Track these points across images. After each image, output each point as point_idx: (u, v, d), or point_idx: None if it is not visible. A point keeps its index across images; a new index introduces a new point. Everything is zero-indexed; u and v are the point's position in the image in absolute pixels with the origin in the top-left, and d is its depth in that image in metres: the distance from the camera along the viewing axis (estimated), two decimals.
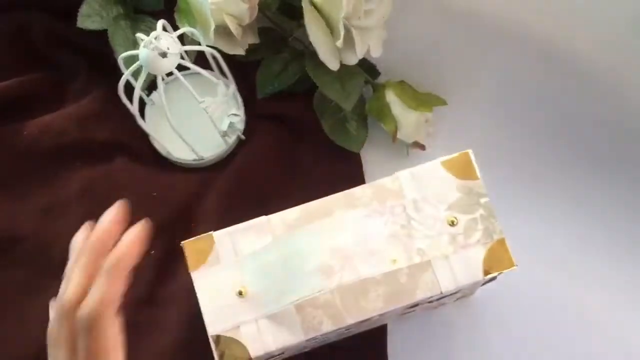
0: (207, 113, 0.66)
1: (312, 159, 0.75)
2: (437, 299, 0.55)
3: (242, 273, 0.52)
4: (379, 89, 0.74)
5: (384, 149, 0.76)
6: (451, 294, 0.55)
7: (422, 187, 0.54)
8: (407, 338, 0.69)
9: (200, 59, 0.71)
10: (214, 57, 0.69)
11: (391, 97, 0.72)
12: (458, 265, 0.52)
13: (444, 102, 0.74)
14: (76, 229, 0.69)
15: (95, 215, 0.70)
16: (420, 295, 0.51)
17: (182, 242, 0.53)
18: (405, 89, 0.73)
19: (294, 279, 0.51)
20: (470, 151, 0.56)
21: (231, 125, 0.70)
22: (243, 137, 0.75)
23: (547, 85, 0.79)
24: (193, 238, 0.53)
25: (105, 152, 0.74)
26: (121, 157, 0.74)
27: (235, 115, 0.71)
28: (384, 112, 0.72)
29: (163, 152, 0.74)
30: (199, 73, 0.72)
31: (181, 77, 0.62)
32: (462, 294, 0.62)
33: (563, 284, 0.71)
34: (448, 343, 0.70)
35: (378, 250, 0.52)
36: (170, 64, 0.61)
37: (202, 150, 0.73)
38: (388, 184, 0.54)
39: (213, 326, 0.51)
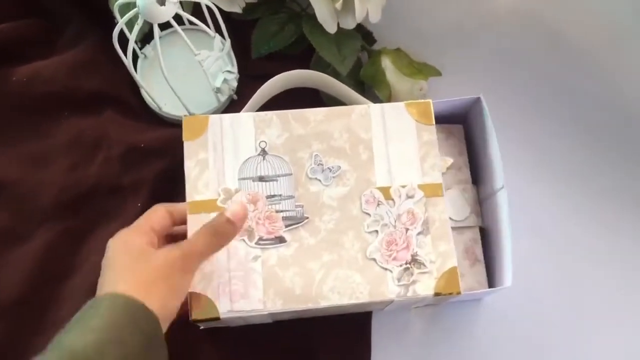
0: (202, 67, 0.65)
1: None
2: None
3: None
4: (374, 55, 0.74)
5: None
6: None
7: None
8: (390, 325, 0.69)
9: (194, 16, 0.70)
10: (210, 12, 0.68)
11: (386, 64, 0.72)
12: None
13: (438, 73, 0.74)
14: (62, 178, 0.69)
15: (82, 166, 0.70)
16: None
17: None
18: (401, 56, 0.73)
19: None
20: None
21: (225, 82, 0.69)
22: (235, 96, 0.74)
23: (544, 62, 0.79)
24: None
25: (95, 102, 0.73)
26: (110, 109, 0.73)
27: (229, 72, 0.70)
28: (378, 78, 0.72)
29: (153, 106, 0.73)
30: (193, 29, 0.72)
31: (178, 27, 0.61)
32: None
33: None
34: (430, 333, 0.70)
35: None
36: (168, 12, 0.60)
37: (193, 107, 0.72)
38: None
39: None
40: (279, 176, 0.58)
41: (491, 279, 0.66)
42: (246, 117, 0.60)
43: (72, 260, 0.66)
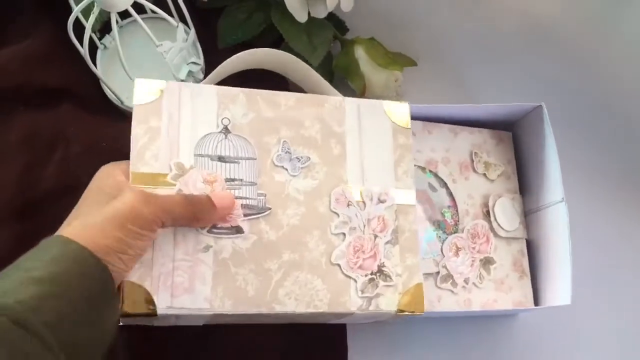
0: (165, 58, 0.61)
1: None
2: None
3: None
4: (347, 45, 0.70)
5: None
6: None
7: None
8: (367, 342, 0.65)
9: (157, 5, 0.66)
10: (174, 0, 0.64)
11: (360, 54, 0.69)
12: None
13: (413, 63, 0.71)
14: (16, 180, 0.64)
15: (37, 167, 0.66)
16: None
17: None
18: (375, 46, 0.70)
19: None
20: None
21: (190, 74, 0.66)
22: None
23: (521, 53, 0.77)
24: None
25: (52, 97, 0.68)
26: (68, 104, 0.68)
27: (195, 64, 0.66)
28: (352, 69, 0.69)
29: (114, 100, 0.69)
30: (156, 18, 0.68)
31: (137, 17, 0.57)
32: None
33: None
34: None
35: None
36: (125, 0, 0.56)
37: None
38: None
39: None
40: (241, 159, 0.53)
41: (535, 295, 0.64)
42: (208, 89, 0.53)
43: None
